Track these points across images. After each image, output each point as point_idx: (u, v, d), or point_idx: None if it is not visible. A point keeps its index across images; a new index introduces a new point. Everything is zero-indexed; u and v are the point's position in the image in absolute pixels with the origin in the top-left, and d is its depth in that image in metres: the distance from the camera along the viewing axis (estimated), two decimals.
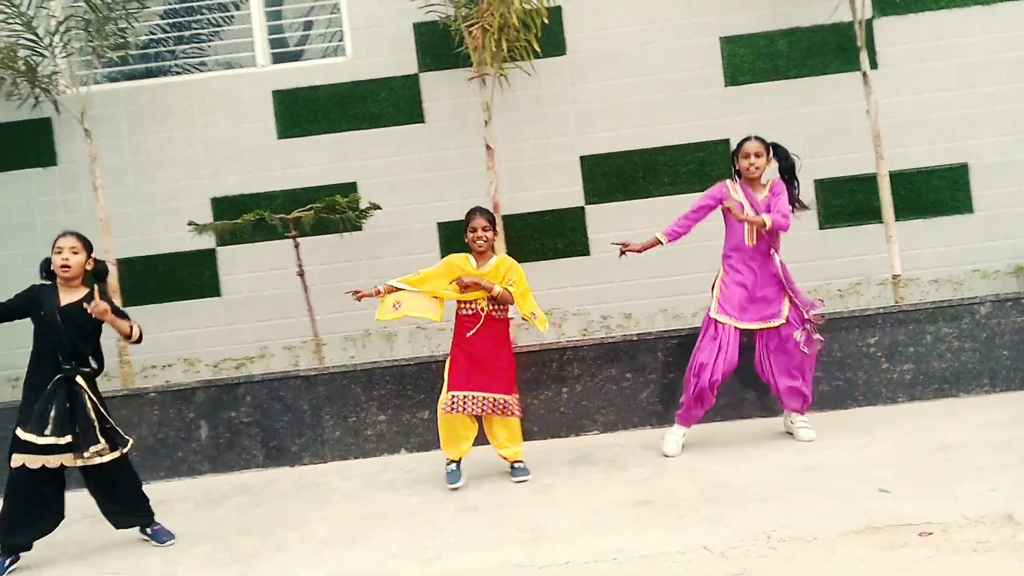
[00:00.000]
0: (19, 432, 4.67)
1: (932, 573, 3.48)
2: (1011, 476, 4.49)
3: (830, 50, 7.50)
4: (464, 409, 5.29)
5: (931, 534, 3.86)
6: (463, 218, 7.29)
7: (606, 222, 7.58)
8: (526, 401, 6.41)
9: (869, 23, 7.38)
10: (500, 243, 6.94)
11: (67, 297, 4.83)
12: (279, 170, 7.69)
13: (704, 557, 3.95)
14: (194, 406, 6.50)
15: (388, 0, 7.61)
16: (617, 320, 6.97)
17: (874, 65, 7.35)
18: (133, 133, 7.75)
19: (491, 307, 5.36)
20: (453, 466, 5.45)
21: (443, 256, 7.46)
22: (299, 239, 7.01)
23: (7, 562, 4.75)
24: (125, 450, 4.93)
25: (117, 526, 5.08)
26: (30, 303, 4.81)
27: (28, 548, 4.83)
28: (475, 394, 5.30)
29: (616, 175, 7.59)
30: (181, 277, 7.71)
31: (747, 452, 5.53)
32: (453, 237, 7.54)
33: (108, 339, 7.18)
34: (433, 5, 7.09)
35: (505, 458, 5.48)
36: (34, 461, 4.65)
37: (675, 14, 7.57)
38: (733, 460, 5.40)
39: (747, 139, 5.61)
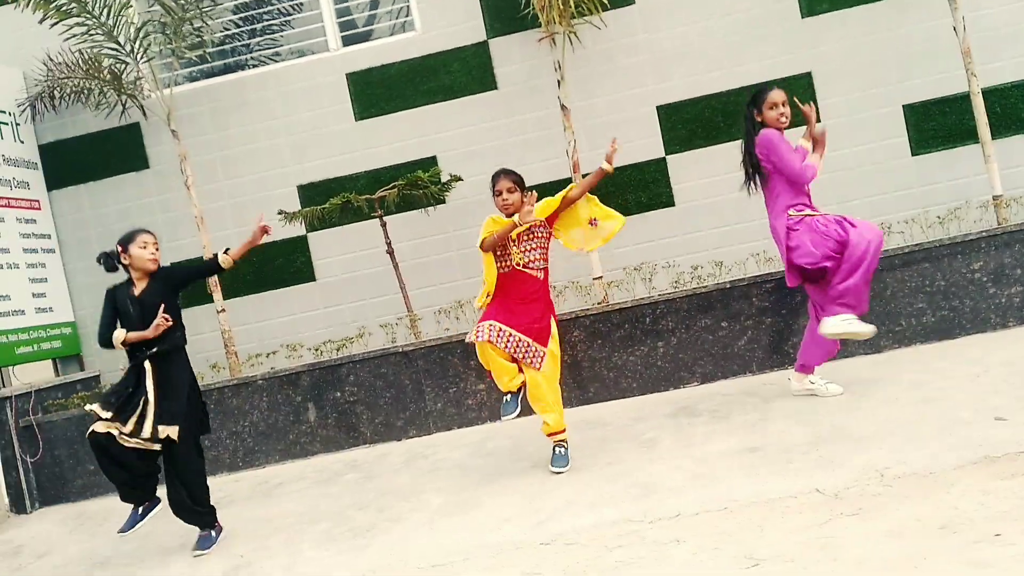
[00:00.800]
0: (91, 407, 5.00)
1: None
2: None
3: None
4: (490, 336, 4.94)
5: None
6: (543, 180, 7.41)
7: (689, 171, 7.48)
8: (623, 358, 6.43)
9: None
10: None
11: (140, 286, 5.10)
12: (360, 151, 7.80)
13: (818, 500, 3.92)
14: (300, 390, 6.71)
15: None
16: (708, 269, 6.87)
17: None
18: (217, 129, 7.96)
19: (523, 259, 5.14)
20: (508, 396, 5.22)
21: None
22: (385, 218, 7.12)
23: (140, 511, 5.13)
24: (177, 431, 4.92)
25: (176, 514, 5.11)
26: (115, 304, 5.13)
27: (145, 496, 5.15)
28: (504, 327, 4.99)
29: (696, 121, 7.46)
30: (276, 266, 7.91)
31: (853, 390, 5.42)
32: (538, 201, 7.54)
33: (215, 332, 7.52)
34: None
35: (548, 435, 5.18)
36: (102, 427, 4.88)
37: None
38: (840, 400, 5.31)
39: (771, 88, 5.38)
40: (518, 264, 5.14)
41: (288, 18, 8.08)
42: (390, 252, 7.08)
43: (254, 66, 8.12)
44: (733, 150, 7.27)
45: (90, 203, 8.16)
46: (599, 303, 6.75)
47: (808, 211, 5.27)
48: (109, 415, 4.89)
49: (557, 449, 5.14)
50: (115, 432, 4.87)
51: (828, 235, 5.08)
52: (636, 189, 7.51)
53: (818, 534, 3.54)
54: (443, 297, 7.55)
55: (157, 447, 4.94)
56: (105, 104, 7.71)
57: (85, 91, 7.70)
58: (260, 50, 8.16)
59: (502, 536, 4.34)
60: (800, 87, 7.30)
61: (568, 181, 7.14)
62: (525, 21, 7.38)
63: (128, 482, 5.03)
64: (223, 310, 7.34)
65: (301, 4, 8.04)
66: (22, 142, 7.95)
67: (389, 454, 6.27)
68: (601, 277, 6.89)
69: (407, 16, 7.87)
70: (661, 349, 6.43)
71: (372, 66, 7.78)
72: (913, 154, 7.25)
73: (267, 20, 8.10)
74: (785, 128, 5.33)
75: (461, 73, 7.69)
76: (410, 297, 7.17)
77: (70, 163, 8.14)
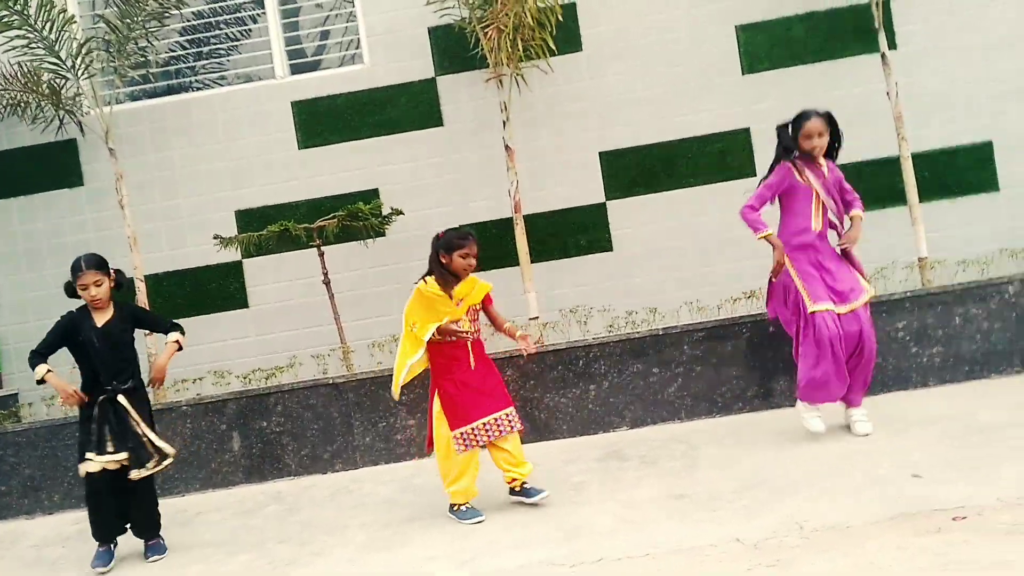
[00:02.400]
0: (86, 455, 4.99)
1: (968, 557, 3.44)
2: None
3: (848, 33, 7.42)
4: (477, 442, 4.86)
5: (965, 518, 3.82)
6: (485, 219, 7.41)
7: (628, 217, 7.56)
8: (555, 400, 6.44)
9: (886, 3, 7.30)
10: (523, 242, 6.97)
11: (100, 318, 5.07)
12: (302, 180, 7.75)
13: (738, 549, 3.94)
14: (226, 418, 6.58)
15: (403, 6, 7.62)
16: (642, 315, 6.93)
17: (893, 46, 7.24)
18: (157, 150, 7.84)
19: (474, 328, 5.05)
20: (467, 506, 4.99)
21: None
22: (324, 248, 7.05)
23: (112, 547, 5.18)
24: (168, 462, 5.14)
25: (138, 535, 5.25)
26: (66, 333, 5.06)
27: (121, 531, 5.24)
28: (483, 422, 4.86)
29: (637, 169, 7.56)
30: (209, 290, 7.79)
31: (778, 442, 5.49)
32: (478, 239, 7.54)
33: (140, 355, 7.33)
34: (447, 8, 7.10)
35: (515, 478, 4.99)
36: (97, 467, 4.97)
37: (690, 3, 7.53)
38: (765, 451, 5.37)
39: (807, 116, 5.22)
40: (470, 334, 5.04)
41: (236, 43, 8.04)
42: (326, 282, 7.01)
43: (199, 89, 8.04)
44: (673, 198, 7.48)
45: (20, 217, 7.95)
46: (535, 343, 6.75)
47: (801, 254, 5.29)
48: (108, 455, 4.95)
49: (527, 485, 5.02)
50: (115, 465, 4.96)
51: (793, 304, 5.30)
52: (576, 232, 7.57)
53: None
54: (378, 331, 7.47)
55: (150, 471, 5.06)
56: (42, 118, 7.53)
57: (22, 104, 7.51)
58: (206, 73, 8.08)
59: (425, 573, 4.29)
60: (739, 142, 7.47)
61: (509, 221, 7.19)
62: (474, 61, 7.43)
63: (109, 517, 5.12)
64: (149, 333, 7.17)
65: (249, 30, 8.01)
66: None
67: (314, 487, 6.16)
68: (537, 318, 6.90)
69: (356, 48, 7.88)
70: (593, 392, 6.45)
71: (319, 96, 7.75)
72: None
73: (214, 44, 8.04)
74: (819, 155, 5.25)
75: (408, 108, 7.70)
76: (344, 329, 7.09)
77: (1, 176, 7.93)
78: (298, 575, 4.56)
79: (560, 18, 7.01)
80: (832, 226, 5.44)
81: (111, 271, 5.16)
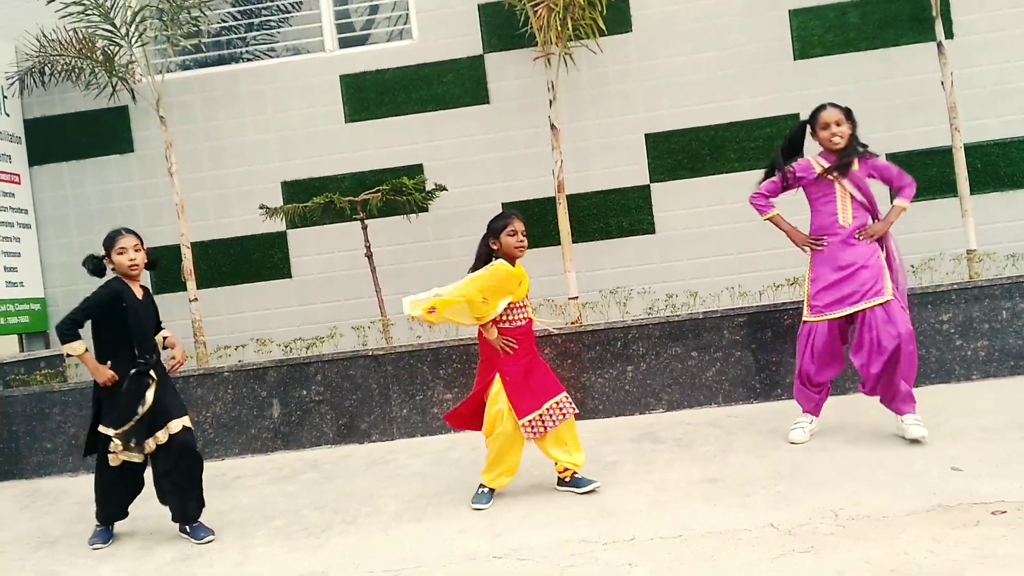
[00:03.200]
0: (100, 428, 4.81)
1: (1005, 552, 3.39)
2: None
3: (903, 21, 7.29)
4: (545, 429, 4.70)
5: (1004, 512, 3.75)
6: (527, 197, 7.40)
7: (672, 200, 7.52)
8: (591, 380, 6.44)
9: None
10: (564, 221, 6.95)
11: (139, 292, 4.96)
12: (348, 153, 7.79)
13: (771, 535, 3.91)
14: (267, 385, 6.66)
15: None
16: (682, 299, 6.90)
17: (950, 35, 7.12)
18: (207, 120, 7.93)
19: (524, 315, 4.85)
20: (486, 490, 4.86)
21: None
22: (367, 221, 7.10)
23: (110, 530, 5.09)
24: (176, 431, 4.89)
25: (171, 500, 5.01)
26: (112, 302, 4.80)
27: (124, 516, 5.15)
28: (546, 407, 4.72)
29: (682, 152, 7.51)
30: (253, 260, 7.88)
31: (819, 429, 5.45)
32: None
33: (185, 320, 7.46)
34: None
35: (567, 468, 4.82)
36: (115, 449, 4.80)
37: None
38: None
39: (822, 107, 5.10)
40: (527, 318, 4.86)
41: (286, 15, 8.09)
42: (369, 255, 7.06)
43: (248, 60, 8.11)
44: (718, 183, 7.41)
45: (71, 181, 8.09)
46: (572, 323, 6.76)
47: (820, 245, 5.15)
48: (126, 447, 4.81)
49: (578, 475, 4.85)
50: (133, 459, 4.86)
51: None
52: (618, 214, 7.54)
53: (769, 568, 3.54)
54: None
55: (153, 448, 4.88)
56: (95, 85, 7.67)
57: (76, 70, 7.64)
58: (256, 44, 8.13)
59: (456, 546, 4.30)
60: (788, 127, 7.35)
61: (552, 201, 7.18)
62: (522, 39, 7.41)
63: (122, 505, 5.08)
64: (195, 299, 7.29)
65: (300, 3, 8.05)
66: (7, 115, 7.88)
67: (350, 456, 6.22)
68: (577, 297, 6.90)
69: (406, 24, 7.89)
70: (630, 374, 6.44)
71: (367, 70, 7.78)
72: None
73: (265, 16, 8.09)
74: (838, 148, 5.05)
75: (455, 84, 7.70)
76: (385, 302, 7.14)
77: (54, 140, 8.08)
78: (332, 543, 4.60)
79: None
80: (862, 222, 5.12)
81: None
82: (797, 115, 7.35)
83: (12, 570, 4.81)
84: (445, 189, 7.29)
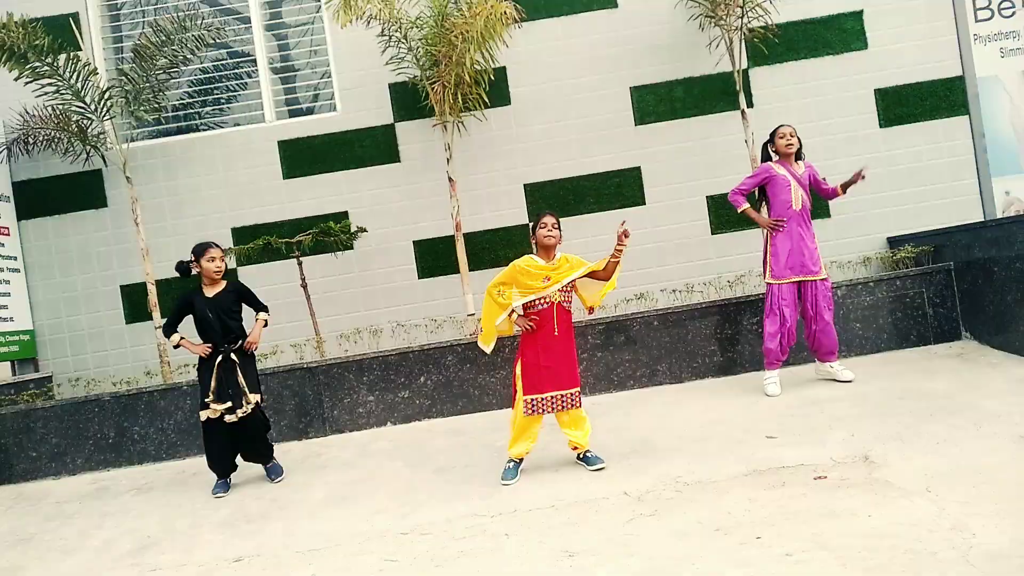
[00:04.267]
0: (206, 402, 4.85)
1: (806, 507, 3.26)
2: (866, 424, 4.30)
3: (716, 94, 7.31)
4: (542, 411, 4.29)
5: (825, 477, 3.58)
6: (433, 236, 7.15)
7: None
8: (486, 380, 6.17)
9: (745, 72, 7.21)
10: (462, 254, 6.71)
11: (211, 291, 4.93)
12: (286, 204, 7.38)
13: (624, 501, 3.73)
14: None
15: (369, 66, 7.32)
16: None
17: (751, 105, 7.17)
18: (167, 179, 7.41)
19: (562, 297, 4.30)
20: (512, 464, 4.41)
21: (418, 267, 7.27)
22: (302, 258, 6.72)
23: (226, 482, 5.03)
24: (260, 402, 4.97)
25: (246, 459, 5.11)
26: (184, 305, 4.92)
27: (229, 469, 5.05)
28: (551, 394, 4.28)
29: (552, 197, 7.34)
30: None
31: (664, 412, 5.30)
32: (427, 252, 7.28)
33: (152, 344, 6.92)
34: (403, 68, 6.83)
35: (575, 447, 4.41)
36: (214, 414, 4.85)
37: (594, 68, 7.35)
38: (653, 419, 5.17)
39: (780, 125, 5.39)
40: (553, 301, 4.29)
41: (233, 93, 7.65)
42: (304, 286, 6.67)
43: (202, 129, 7.62)
44: (581, 221, 7.28)
45: (54, 233, 7.46)
46: (471, 335, 6.50)
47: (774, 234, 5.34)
48: (218, 405, 4.83)
49: (589, 453, 4.40)
50: (220, 413, 4.82)
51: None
52: (504, 247, 7.30)
53: (622, 532, 3.34)
54: (346, 324, 7.17)
55: (238, 417, 4.86)
56: (72, 152, 7.10)
57: (55, 140, 7.07)
58: (209, 117, 7.66)
59: (371, 526, 3.98)
60: (632, 178, 7.30)
61: (451, 238, 6.94)
62: (424, 110, 7.16)
63: (221, 456, 4.95)
64: (159, 327, 6.75)
65: (245, 83, 7.62)
66: None
67: (290, 452, 5.79)
68: (473, 314, 6.63)
69: (331, 99, 7.54)
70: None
71: (300, 136, 7.39)
72: (712, 233, 7.31)
73: (216, 93, 7.63)
74: (790, 153, 5.30)
75: (372, 147, 7.39)
76: (318, 323, 6.75)
77: (39, 198, 7.44)
78: (267, 528, 4.21)
79: (492, 78, 6.81)
80: (805, 207, 5.33)
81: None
82: (639, 168, 7.31)
83: None
84: (366, 231, 6.99)
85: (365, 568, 3.41)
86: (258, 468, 5.36)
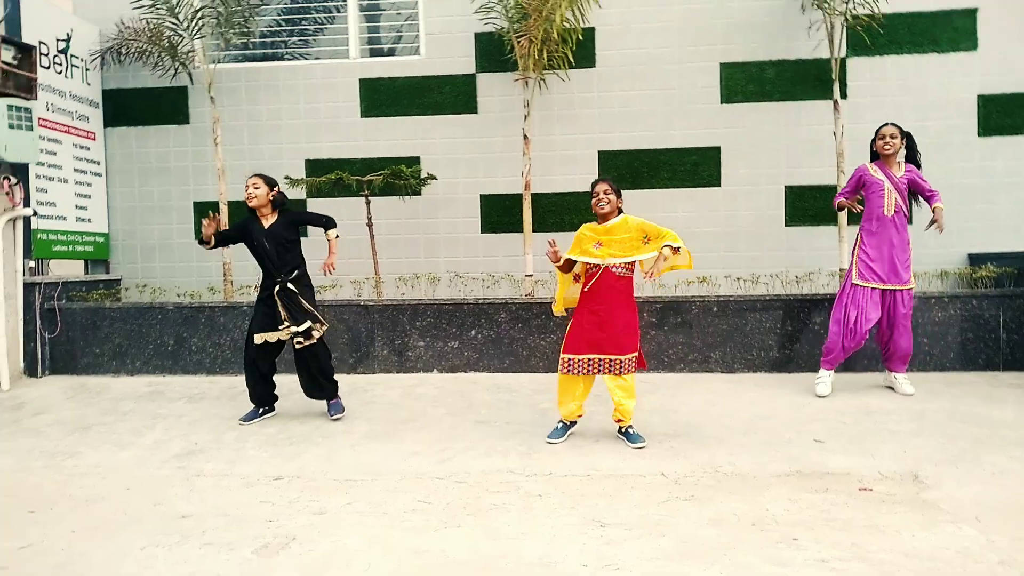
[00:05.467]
0: (253, 334, 4.88)
1: (848, 516, 3.19)
2: (920, 441, 4.17)
3: (809, 80, 7.02)
4: (577, 371, 4.23)
5: (871, 490, 3.49)
6: (501, 192, 7.13)
7: None
8: (536, 342, 6.17)
9: (843, 61, 6.90)
10: (528, 214, 6.67)
11: (267, 221, 4.90)
12: (360, 142, 7.41)
13: (661, 481, 3.71)
14: None
15: (457, 12, 7.24)
16: None
17: (844, 96, 6.88)
18: (250, 103, 7.51)
19: (619, 265, 4.19)
20: (561, 425, 4.42)
21: (483, 222, 7.27)
22: (370, 198, 6.77)
23: (260, 411, 5.04)
24: (320, 333, 4.88)
25: (309, 395, 5.08)
26: (241, 234, 4.92)
27: (268, 400, 5.08)
28: (587, 356, 4.20)
29: (626, 168, 7.21)
30: None
31: (712, 399, 5.23)
32: (493, 207, 7.26)
33: (218, 263, 7.11)
34: (491, 19, 6.74)
35: (619, 420, 4.33)
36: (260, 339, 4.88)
37: (685, 41, 7.13)
38: (700, 405, 5.10)
39: (884, 124, 5.16)
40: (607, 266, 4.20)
41: (321, 26, 7.66)
42: (369, 225, 6.73)
43: (287, 58, 7.68)
44: (651, 196, 7.15)
45: (137, 142, 7.67)
46: (526, 295, 6.49)
47: (869, 236, 5.17)
48: (266, 333, 4.85)
49: (629, 429, 4.35)
50: (268, 338, 4.84)
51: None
52: (571, 212, 7.21)
53: (656, 511, 3.32)
54: (405, 269, 7.24)
55: (311, 341, 4.83)
56: (161, 67, 7.25)
57: (146, 53, 7.23)
58: (295, 47, 7.71)
59: (408, 466, 4.06)
60: (710, 157, 7.11)
61: (518, 196, 6.90)
62: (507, 64, 7.07)
63: (259, 383, 4.96)
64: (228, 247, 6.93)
65: (333, 17, 7.62)
66: (89, 84, 7.42)
67: (337, 383, 5.93)
68: (532, 275, 6.62)
69: (416, 42, 7.50)
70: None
71: (382, 76, 7.39)
72: (785, 225, 7.10)
73: (304, 25, 7.66)
74: (889, 154, 5.11)
75: (451, 95, 7.34)
76: (379, 263, 6.83)
77: (126, 108, 7.64)
78: (309, 452, 4.34)
79: (580, 38, 6.65)
80: (901, 212, 5.14)
81: (275, 185, 4.96)
82: (719, 148, 7.10)
83: (47, 448, 4.52)
84: (435, 178, 6.99)
85: (399, 505, 3.49)
86: (306, 400, 5.52)
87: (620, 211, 4.29)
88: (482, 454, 4.21)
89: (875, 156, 5.25)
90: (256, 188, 4.83)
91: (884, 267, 5.10)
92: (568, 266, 4.34)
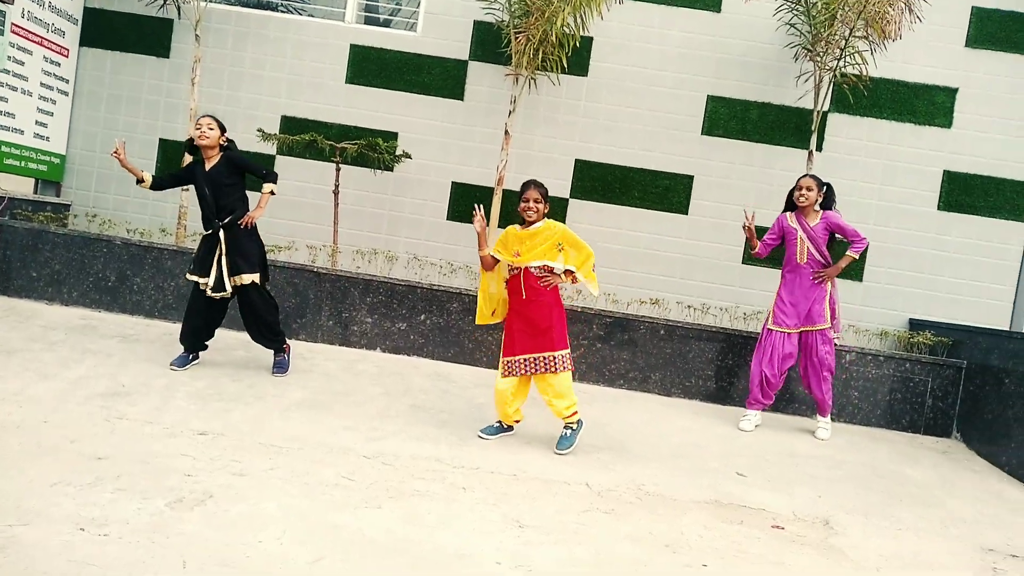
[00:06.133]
0: (187, 274, 4.93)
1: (758, 551, 3.28)
2: (837, 488, 4.30)
3: (789, 127, 7.18)
4: (519, 372, 4.27)
5: (783, 528, 3.60)
6: (473, 182, 7.11)
7: (583, 215, 7.27)
8: (495, 337, 6.18)
9: (824, 114, 7.07)
10: (497, 208, 6.67)
11: (210, 164, 4.84)
12: (341, 107, 7.31)
13: (584, 491, 3.76)
14: None
15: None
16: (569, 291, 6.70)
17: (820, 148, 7.05)
18: (235, 48, 7.35)
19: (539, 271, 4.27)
20: (497, 423, 4.48)
21: (450, 209, 7.25)
22: (341, 165, 6.68)
23: (190, 357, 5.01)
24: (255, 279, 4.87)
25: (254, 339, 5.09)
26: (189, 176, 4.93)
27: (198, 348, 5.05)
28: (522, 357, 4.26)
29: (600, 180, 7.27)
30: None
31: (647, 419, 5.31)
32: (463, 196, 7.24)
33: (175, 205, 6.95)
34: (492, 10, 6.73)
35: (560, 416, 4.37)
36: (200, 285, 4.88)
37: (678, 67, 7.21)
38: (635, 423, 5.18)
39: (802, 176, 5.28)
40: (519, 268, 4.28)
41: None
42: (336, 192, 6.65)
43: (280, 10, 7.54)
44: (619, 212, 7.21)
45: (112, 67, 7.43)
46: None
47: (784, 285, 5.37)
48: (197, 276, 4.84)
49: (569, 424, 4.38)
50: (201, 285, 4.82)
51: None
52: None
53: (575, 519, 3.37)
54: (365, 243, 7.17)
55: (227, 294, 4.83)
56: None
57: None
58: (291, 1, 7.58)
59: (337, 439, 4.04)
60: (682, 184, 7.22)
61: (490, 190, 6.90)
62: (501, 57, 7.06)
63: (195, 331, 4.93)
64: (187, 190, 6.77)
65: None
66: None
67: (284, 340, 5.84)
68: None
69: (413, 18, 7.43)
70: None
71: (373, 45, 7.30)
72: (743, 262, 7.23)
73: None
74: (805, 206, 5.22)
75: (440, 77, 7.30)
76: (339, 233, 6.75)
77: (105, 30, 7.40)
78: (238, 411, 4.28)
79: (577, 45, 6.67)
80: (814, 260, 5.28)
81: (225, 131, 4.89)
82: (692, 177, 7.21)
83: None
84: (410, 157, 6.93)
85: (322, 478, 3.46)
86: (247, 352, 5.42)
87: (545, 216, 4.33)
88: (413, 438, 4.21)
89: (792, 206, 5.39)
90: (211, 129, 4.77)
91: (798, 312, 5.31)
92: (492, 262, 4.37)
